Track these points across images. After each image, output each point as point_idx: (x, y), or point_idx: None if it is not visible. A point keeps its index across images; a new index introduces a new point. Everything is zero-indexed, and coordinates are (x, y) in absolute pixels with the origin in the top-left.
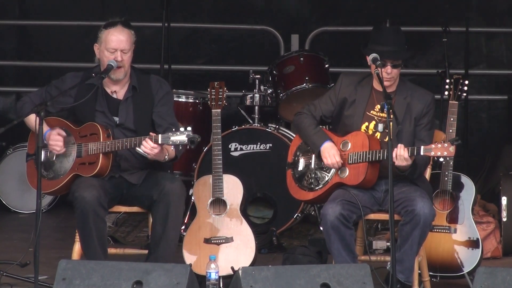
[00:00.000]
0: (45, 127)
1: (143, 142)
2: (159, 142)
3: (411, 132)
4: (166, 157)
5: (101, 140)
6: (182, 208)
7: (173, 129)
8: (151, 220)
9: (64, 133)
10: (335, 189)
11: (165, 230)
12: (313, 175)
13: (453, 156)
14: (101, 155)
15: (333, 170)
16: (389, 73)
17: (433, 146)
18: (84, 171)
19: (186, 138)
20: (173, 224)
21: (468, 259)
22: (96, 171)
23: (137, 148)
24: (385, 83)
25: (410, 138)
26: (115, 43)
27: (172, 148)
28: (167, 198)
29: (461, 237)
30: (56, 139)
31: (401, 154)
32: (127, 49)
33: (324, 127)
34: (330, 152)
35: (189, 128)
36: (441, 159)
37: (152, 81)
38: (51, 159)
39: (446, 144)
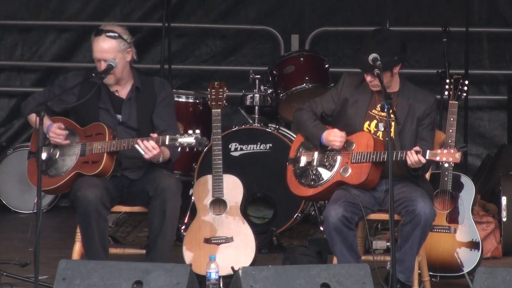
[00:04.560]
0: (48, 121)
1: (144, 142)
2: (167, 143)
3: (413, 132)
4: (160, 159)
5: (107, 140)
6: (179, 203)
7: (181, 131)
8: None
9: (62, 126)
10: (335, 188)
11: (162, 226)
12: (315, 172)
13: (458, 162)
14: (105, 154)
15: (335, 169)
16: (370, 81)
17: (439, 151)
18: (87, 170)
19: (194, 141)
20: (170, 220)
21: (468, 259)
22: (99, 169)
23: (135, 145)
24: (372, 89)
25: (412, 138)
26: (97, 53)
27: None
28: (163, 194)
29: (462, 238)
30: (56, 131)
31: (416, 161)
32: (111, 58)
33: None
34: (333, 134)
35: (197, 131)
36: (446, 165)
37: (155, 82)
38: (54, 156)
39: (452, 150)
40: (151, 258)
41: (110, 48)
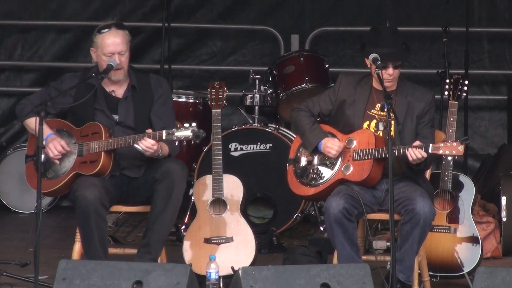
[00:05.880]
0: (48, 130)
1: (142, 140)
2: (164, 138)
3: (413, 131)
4: (160, 154)
5: (103, 138)
6: (184, 187)
7: (178, 126)
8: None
9: (67, 149)
10: (337, 186)
11: (165, 206)
12: (316, 171)
13: (461, 155)
14: (103, 153)
15: (336, 167)
16: (391, 74)
17: (441, 144)
18: (85, 169)
19: (191, 133)
20: (174, 202)
21: (468, 258)
22: (97, 169)
23: (135, 145)
24: (387, 84)
25: (412, 136)
26: (111, 47)
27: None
28: (171, 176)
29: (462, 235)
30: (56, 146)
31: (418, 158)
32: (124, 50)
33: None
34: (331, 142)
35: (194, 124)
36: (449, 158)
37: (152, 80)
38: (51, 159)
39: (455, 143)
40: (148, 240)
41: (122, 39)
